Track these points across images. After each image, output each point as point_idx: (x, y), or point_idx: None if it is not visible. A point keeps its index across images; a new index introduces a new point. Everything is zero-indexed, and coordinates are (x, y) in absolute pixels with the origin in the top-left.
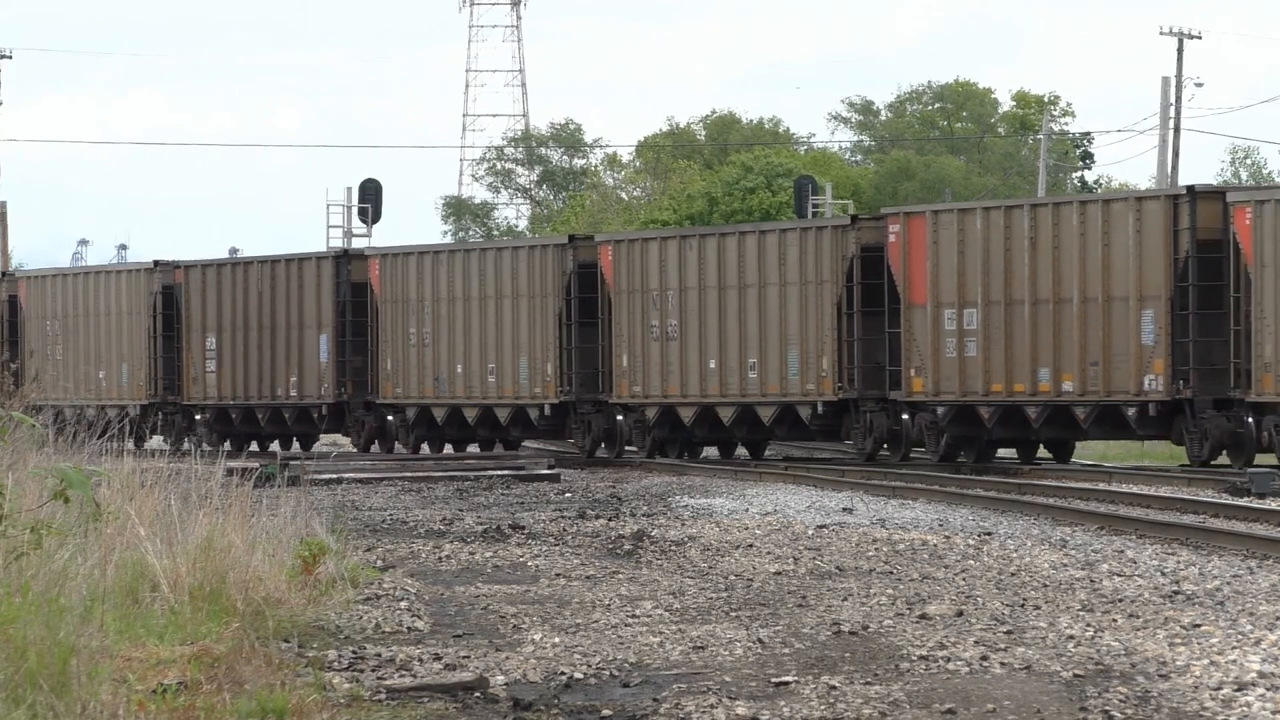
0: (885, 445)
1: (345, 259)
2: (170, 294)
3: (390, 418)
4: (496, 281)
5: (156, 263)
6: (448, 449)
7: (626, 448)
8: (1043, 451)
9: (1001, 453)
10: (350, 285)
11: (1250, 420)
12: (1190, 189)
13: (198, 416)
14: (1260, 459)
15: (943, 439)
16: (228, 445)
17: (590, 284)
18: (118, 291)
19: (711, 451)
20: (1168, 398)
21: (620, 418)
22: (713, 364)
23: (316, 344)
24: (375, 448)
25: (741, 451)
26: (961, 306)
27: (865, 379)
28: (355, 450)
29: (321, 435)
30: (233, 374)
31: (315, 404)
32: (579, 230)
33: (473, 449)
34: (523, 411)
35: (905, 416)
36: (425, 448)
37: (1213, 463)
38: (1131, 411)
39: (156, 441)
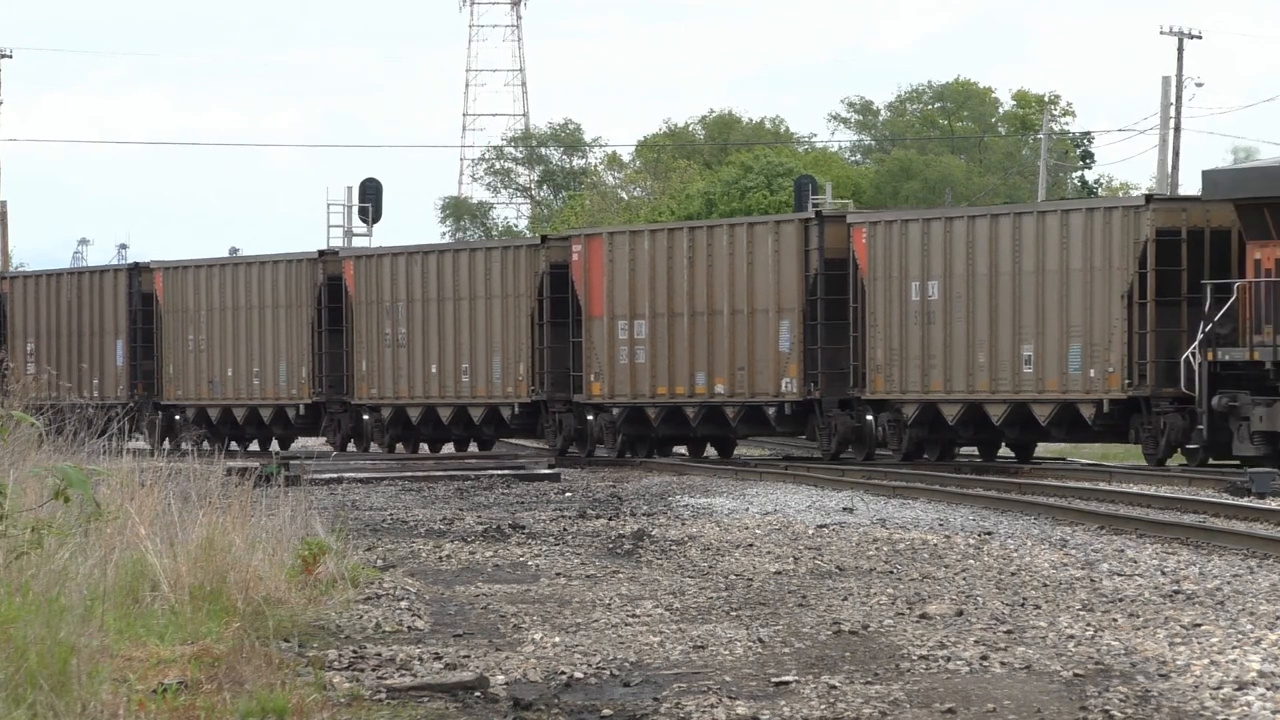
0: (573, 443)
1: (136, 272)
2: None
3: (177, 417)
4: (260, 292)
5: None
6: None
7: (372, 445)
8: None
9: (677, 449)
10: (141, 296)
11: (869, 417)
12: (819, 213)
13: None
14: (879, 452)
15: (619, 438)
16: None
17: (338, 295)
18: None
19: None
20: (801, 398)
21: (366, 417)
22: (434, 369)
23: (114, 349)
24: (167, 444)
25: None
26: (633, 318)
27: (554, 383)
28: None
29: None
30: (47, 376)
31: (113, 404)
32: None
33: (254, 446)
34: (282, 411)
35: (590, 417)
36: (206, 445)
37: (841, 455)
38: (771, 411)
39: None
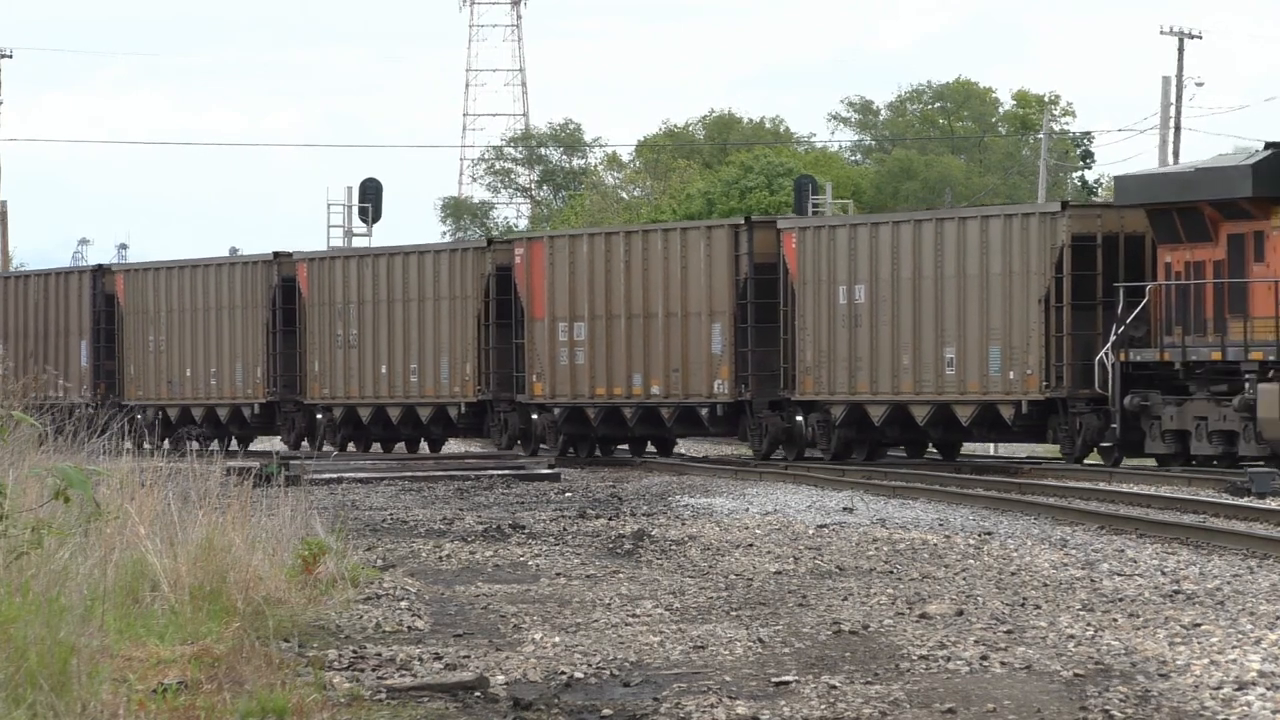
0: (519, 441)
1: (100, 273)
2: None
3: (138, 416)
4: (217, 294)
5: None
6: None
7: (325, 445)
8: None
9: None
10: (104, 297)
11: (799, 418)
12: (748, 218)
13: None
14: (809, 452)
15: (559, 437)
16: None
17: (292, 297)
18: None
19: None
20: (732, 399)
21: (320, 416)
22: (384, 369)
23: (79, 350)
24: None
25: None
26: (573, 320)
27: (499, 383)
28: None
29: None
30: (16, 376)
31: (77, 404)
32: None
33: (214, 445)
34: (238, 410)
35: (535, 416)
36: (166, 443)
37: (772, 455)
38: (704, 411)
39: None
